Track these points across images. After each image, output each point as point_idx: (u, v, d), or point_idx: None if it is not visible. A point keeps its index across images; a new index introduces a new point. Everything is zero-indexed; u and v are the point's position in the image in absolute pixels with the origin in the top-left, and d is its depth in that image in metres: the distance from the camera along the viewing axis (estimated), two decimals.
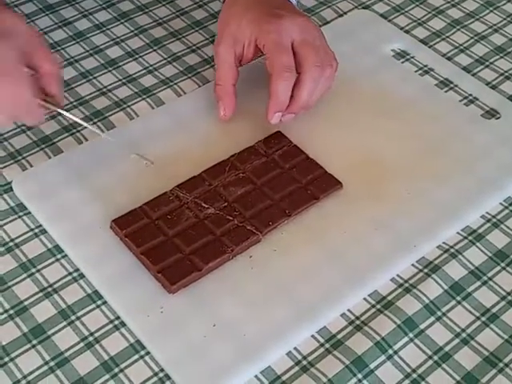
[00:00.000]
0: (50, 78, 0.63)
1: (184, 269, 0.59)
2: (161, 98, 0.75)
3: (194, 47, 0.80)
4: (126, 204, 0.63)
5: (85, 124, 0.65)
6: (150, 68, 0.78)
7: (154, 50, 0.80)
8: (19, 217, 0.64)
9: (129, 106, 0.74)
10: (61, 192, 0.65)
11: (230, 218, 0.62)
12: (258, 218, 0.63)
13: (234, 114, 0.70)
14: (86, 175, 0.66)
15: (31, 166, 0.68)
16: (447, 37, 0.83)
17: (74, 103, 0.74)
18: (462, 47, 0.82)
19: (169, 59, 0.79)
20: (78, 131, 0.71)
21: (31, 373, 0.55)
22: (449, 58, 0.81)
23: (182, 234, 0.61)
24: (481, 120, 0.74)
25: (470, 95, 0.77)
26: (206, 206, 0.63)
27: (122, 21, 0.82)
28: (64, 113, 0.64)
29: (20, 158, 0.69)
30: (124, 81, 0.76)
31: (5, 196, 0.66)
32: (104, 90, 0.75)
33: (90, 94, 0.75)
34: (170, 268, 0.59)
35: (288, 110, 0.68)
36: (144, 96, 0.75)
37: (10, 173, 0.67)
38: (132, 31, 0.81)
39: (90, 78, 0.76)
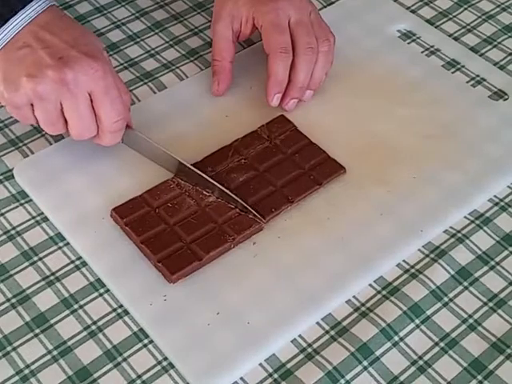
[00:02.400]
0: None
1: (184, 258, 0.58)
2: (163, 82, 0.74)
3: (196, 30, 0.79)
4: (128, 190, 0.63)
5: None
6: (152, 52, 0.77)
7: (156, 33, 0.78)
8: (21, 204, 0.64)
9: (131, 91, 0.73)
10: (62, 179, 0.65)
11: (232, 206, 0.61)
12: (261, 204, 0.62)
13: (227, 89, 0.71)
14: (87, 161, 0.66)
15: (32, 152, 0.67)
16: (454, 16, 0.82)
17: None
18: (469, 27, 0.81)
19: (171, 42, 0.78)
20: None
21: (34, 362, 0.55)
22: (456, 38, 0.79)
23: (183, 223, 0.60)
24: (488, 101, 0.73)
25: (478, 76, 0.75)
26: (208, 194, 0.62)
27: (123, 3, 0.81)
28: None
29: (21, 144, 0.68)
30: (125, 65, 0.75)
31: (6, 183, 0.65)
32: None
33: None
34: (171, 257, 0.58)
35: (289, 95, 0.69)
36: (146, 80, 0.74)
37: (11, 160, 0.67)
38: (133, 14, 0.80)
39: None
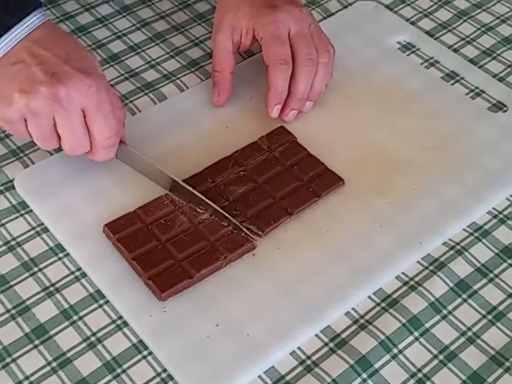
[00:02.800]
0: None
1: (175, 276, 0.58)
2: (163, 92, 0.74)
3: (197, 41, 0.79)
4: (127, 202, 0.63)
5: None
6: (153, 62, 0.77)
7: (157, 44, 0.79)
8: (21, 215, 0.64)
9: (131, 102, 0.73)
10: (63, 190, 0.65)
11: (225, 224, 0.61)
12: (260, 216, 0.62)
13: (227, 100, 0.71)
14: (88, 172, 0.66)
15: (33, 163, 0.68)
16: (453, 28, 0.82)
17: None
18: (468, 39, 0.81)
19: (171, 53, 0.78)
20: None
21: (33, 373, 0.55)
22: (455, 50, 0.80)
23: (175, 240, 0.60)
24: (488, 113, 0.73)
25: (477, 88, 0.75)
26: (201, 211, 0.62)
27: (124, 14, 0.82)
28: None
29: (22, 155, 0.68)
30: (126, 75, 0.76)
31: (6, 194, 0.65)
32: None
33: None
34: (162, 275, 0.58)
35: (289, 106, 0.69)
36: (146, 91, 0.74)
37: (11, 170, 0.67)
38: (134, 25, 0.81)
39: None
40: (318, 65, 0.69)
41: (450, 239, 0.64)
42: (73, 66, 0.59)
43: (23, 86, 0.58)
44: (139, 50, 0.78)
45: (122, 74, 0.76)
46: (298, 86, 0.68)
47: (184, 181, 0.64)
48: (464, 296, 0.60)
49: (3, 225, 0.63)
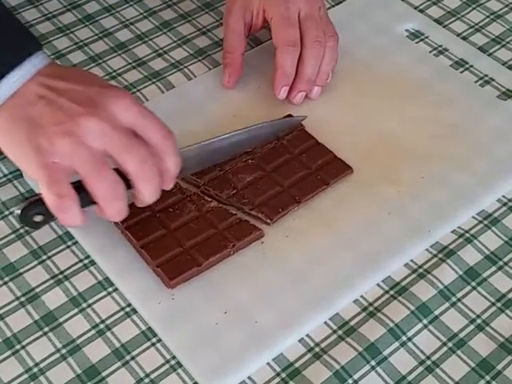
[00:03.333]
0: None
1: (183, 264, 0.58)
2: (171, 81, 0.74)
3: (204, 29, 0.79)
4: None
5: None
6: (160, 51, 0.77)
7: (164, 33, 0.79)
8: None
9: (138, 90, 0.73)
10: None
11: (233, 212, 0.61)
12: (268, 204, 0.62)
13: (237, 82, 0.71)
14: None
15: None
16: (462, 16, 0.82)
17: None
18: (477, 26, 0.81)
19: (179, 42, 0.78)
20: None
21: (43, 360, 0.55)
22: (464, 38, 0.79)
23: (183, 228, 0.60)
24: (497, 101, 0.73)
25: (486, 76, 0.75)
26: (209, 200, 0.62)
27: (131, 3, 0.81)
28: None
29: None
30: (134, 64, 0.75)
31: (15, 182, 0.65)
32: (114, 73, 0.74)
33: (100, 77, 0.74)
34: (170, 262, 0.58)
35: (296, 88, 0.69)
36: (154, 80, 0.74)
37: None
38: (141, 13, 0.80)
39: (100, 61, 0.75)
40: (325, 48, 0.69)
41: (459, 227, 0.63)
42: (100, 84, 0.54)
43: (59, 122, 0.51)
44: (146, 39, 0.78)
45: (130, 63, 0.75)
46: (305, 68, 0.68)
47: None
48: (473, 284, 0.60)
49: (12, 213, 0.63)
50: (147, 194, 0.55)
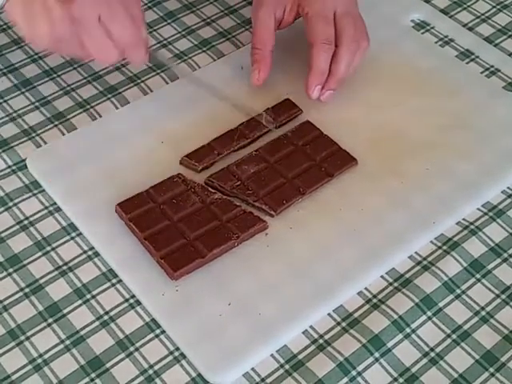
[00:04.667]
0: None
1: (187, 255, 0.58)
2: (175, 72, 0.74)
3: (208, 20, 0.79)
4: (139, 181, 0.63)
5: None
6: (165, 42, 0.77)
7: (169, 24, 0.78)
8: (33, 195, 0.64)
9: (142, 81, 0.73)
10: (75, 169, 0.65)
11: (237, 204, 0.61)
12: (272, 196, 0.62)
13: (267, 79, 0.69)
14: (100, 152, 0.66)
15: (45, 143, 0.68)
16: (468, 6, 0.81)
17: (88, 78, 0.73)
18: (483, 17, 0.80)
19: (183, 32, 0.77)
20: (92, 107, 0.70)
21: (47, 351, 0.55)
22: (470, 28, 0.79)
23: (187, 220, 0.60)
24: (503, 92, 0.72)
25: (492, 66, 0.75)
26: (213, 191, 0.62)
27: None
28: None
29: (34, 134, 0.68)
30: None
31: (19, 173, 0.65)
32: (118, 64, 0.74)
33: (104, 68, 0.74)
34: (174, 254, 0.58)
35: (327, 86, 0.68)
36: (158, 71, 0.74)
37: (24, 150, 0.67)
38: (146, 4, 0.80)
39: None
40: (359, 49, 0.68)
41: (463, 219, 0.63)
42: None
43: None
44: (151, 30, 0.78)
45: None
46: (339, 66, 0.67)
47: (190, 153, 0.64)
48: (477, 276, 0.60)
49: (16, 204, 0.63)
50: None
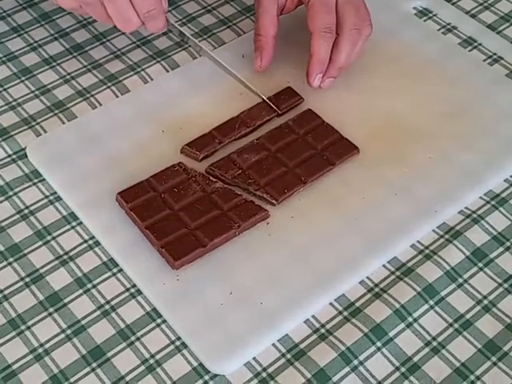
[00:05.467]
0: None
1: (188, 244, 0.57)
2: (175, 60, 0.73)
3: (209, 7, 0.78)
4: (140, 170, 0.63)
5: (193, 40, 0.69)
6: (165, 29, 0.76)
7: (169, 11, 0.78)
8: (34, 184, 0.64)
9: (143, 70, 0.72)
10: (75, 158, 0.64)
11: (238, 193, 0.61)
12: (273, 185, 0.61)
13: (269, 65, 0.69)
14: (100, 141, 0.66)
15: (45, 131, 0.67)
16: None
17: (88, 67, 0.72)
18: (486, 4, 0.80)
19: (184, 20, 0.77)
20: (92, 95, 0.70)
21: (48, 341, 0.55)
22: (473, 16, 0.78)
23: (188, 209, 0.60)
24: (505, 80, 0.72)
25: (495, 54, 0.74)
26: (214, 180, 0.61)
27: None
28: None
29: (34, 123, 0.68)
30: (138, 43, 0.75)
31: (19, 162, 0.65)
32: (118, 52, 0.74)
33: (104, 57, 0.73)
34: (174, 243, 0.58)
35: (327, 74, 0.68)
36: (158, 59, 0.73)
37: (23, 139, 0.66)
38: None
39: (104, 40, 0.75)
40: (361, 36, 0.67)
41: (466, 207, 0.63)
42: None
43: None
44: None
45: (134, 42, 0.75)
46: (340, 55, 0.67)
47: (191, 142, 0.64)
48: (480, 264, 0.60)
49: (16, 193, 0.63)
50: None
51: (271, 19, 0.68)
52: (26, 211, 0.62)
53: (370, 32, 0.69)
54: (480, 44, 0.75)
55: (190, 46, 0.73)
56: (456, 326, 0.56)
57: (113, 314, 0.56)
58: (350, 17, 0.67)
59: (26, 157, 0.65)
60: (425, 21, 0.77)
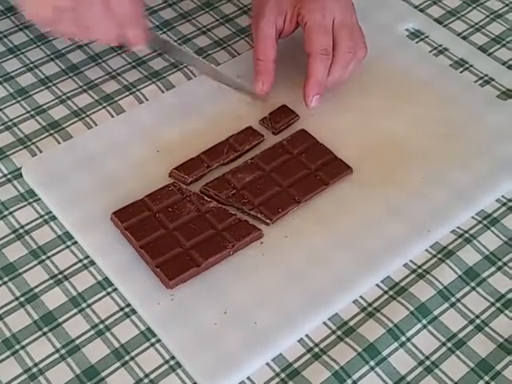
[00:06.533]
0: None
1: (183, 264, 0.58)
2: (170, 81, 0.74)
3: (204, 29, 0.79)
4: (135, 190, 0.63)
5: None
6: (160, 51, 0.77)
7: (164, 32, 0.79)
8: (29, 203, 0.64)
9: (138, 90, 0.73)
10: (70, 178, 0.65)
11: (233, 213, 0.61)
12: (267, 204, 0.62)
13: (271, 89, 0.69)
14: (95, 160, 0.66)
15: (40, 151, 0.68)
16: (462, 15, 0.82)
17: (84, 87, 0.73)
18: (477, 26, 0.81)
19: (179, 41, 0.78)
20: (88, 116, 0.70)
21: (42, 361, 0.55)
22: (464, 38, 0.79)
23: (183, 228, 0.60)
24: (496, 101, 0.73)
25: (486, 75, 0.75)
26: (209, 200, 0.62)
27: None
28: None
29: (29, 143, 0.68)
30: (133, 64, 0.75)
31: (14, 182, 0.65)
32: (113, 73, 0.74)
33: (100, 77, 0.74)
34: (169, 263, 0.58)
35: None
36: (154, 79, 0.74)
37: (19, 159, 0.67)
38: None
39: (99, 61, 0.75)
40: (354, 59, 0.68)
41: (458, 227, 0.63)
42: None
43: None
44: None
45: (130, 63, 0.75)
46: (330, 77, 0.67)
47: (179, 166, 0.64)
48: (472, 284, 0.60)
49: (11, 213, 0.63)
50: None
51: (271, 43, 0.68)
52: (21, 231, 0.62)
53: (365, 54, 0.69)
54: (471, 65, 0.76)
55: (175, 58, 0.74)
56: (449, 345, 0.57)
57: (107, 334, 0.57)
58: (344, 40, 0.68)
59: (22, 176, 0.65)
60: (417, 42, 0.78)
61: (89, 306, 0.58)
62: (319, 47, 0.67)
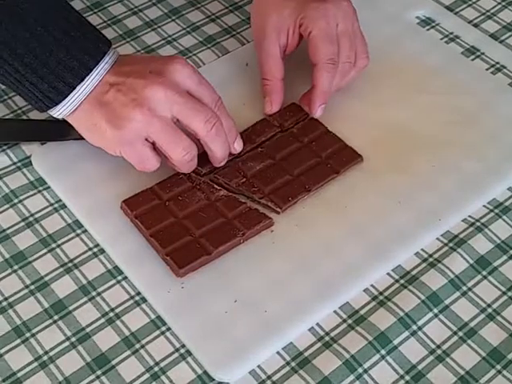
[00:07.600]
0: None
1: (193, 252, 0.58)
2: None
3: (213, 16, 0.79)
4: (144, 177, 0.63)
5: None
6: (169, 38, 0.76)
7: (173, 20, 0.78)
8: (39, 191, 0.64)
9: None
10: (80, 166, 0.65)
11: (243, 201, 0.61)
12: (278, 193, 0.62)
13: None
14: None
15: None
16: (474, 3, 0.81)
17: None
18: (489, 13, 0.80)
19: (188, 29, 0.77)
20: None
21: (53, 348, 0.55)
22: (475, 25, 0.79)
23: (193, 217, 0.60)
24: (508, 89, 0.72)
25: (498, 63, 0.74)
26: (219, 188, 0.62)
27: None
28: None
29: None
30: (142, 52, 0.75)
31: (24, 170, 0.65)
32: None
33: None
34: (179, 251, 0.58)
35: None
36: None
37: (29, 147, 0.67)
38: (150, 0, 0.80)
39: None
40: (354, 68, 0.67)
41: (469, 216, 0.63)
42: (159, 59, 0.61)
43: (131, 99, 0.57)
44: (155, 26, 0.78)
45: (139, 51, 0.75)
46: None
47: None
48: (484, 273, 0.60)
49: (21, 201, 0.63)
50: (219, 150, 0.61)
51: (276, 62, 0.67)
52: (31, 219, 0.62)
53: (366, 64, 0.68)
54: (483, 53, 0.75)
55: None
56: (460, 334, 0.56)
57: (117, 322, 0.56)
58: (344, 49, 0.66)
59: (31, 164, 0.65)
60: (428, 30, 0.78)
61: (99, 294, 0.58)
62: (326, 56, 0.65)
